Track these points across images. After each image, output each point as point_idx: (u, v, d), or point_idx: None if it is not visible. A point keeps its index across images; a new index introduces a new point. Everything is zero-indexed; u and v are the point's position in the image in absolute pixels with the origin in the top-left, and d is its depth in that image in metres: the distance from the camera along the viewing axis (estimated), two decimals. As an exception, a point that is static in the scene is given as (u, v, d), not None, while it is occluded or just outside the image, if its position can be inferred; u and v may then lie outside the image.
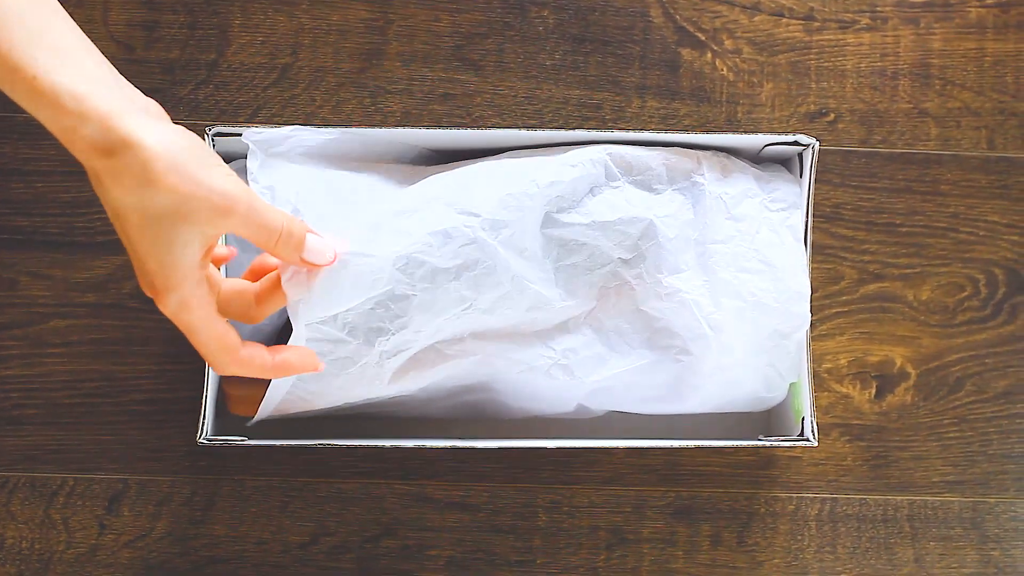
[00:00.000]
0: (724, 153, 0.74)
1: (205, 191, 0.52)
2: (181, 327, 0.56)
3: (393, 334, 0.66)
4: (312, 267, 0.60)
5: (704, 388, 0.74)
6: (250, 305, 0.61)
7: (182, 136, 0.52)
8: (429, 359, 0.70)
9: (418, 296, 0.66)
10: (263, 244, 0.56)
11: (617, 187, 0.71)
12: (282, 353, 0.59)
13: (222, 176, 0.53)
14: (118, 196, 0.51)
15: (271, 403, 0.67)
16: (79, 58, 0.51)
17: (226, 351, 0.57)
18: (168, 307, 0.54)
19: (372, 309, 0.65)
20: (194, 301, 0.55)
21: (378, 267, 0.64)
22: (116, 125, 0.50)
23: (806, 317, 0.73)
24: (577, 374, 0.72)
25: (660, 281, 0.71)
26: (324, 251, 0.59)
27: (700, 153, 0.73)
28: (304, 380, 0.67)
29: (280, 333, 0.76)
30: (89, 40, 0.53)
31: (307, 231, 0.58)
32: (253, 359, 0.58)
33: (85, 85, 0.50)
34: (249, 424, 0.70)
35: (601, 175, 0.71)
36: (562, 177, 0.69)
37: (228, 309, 0.61)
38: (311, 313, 0.63)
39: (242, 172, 0.75)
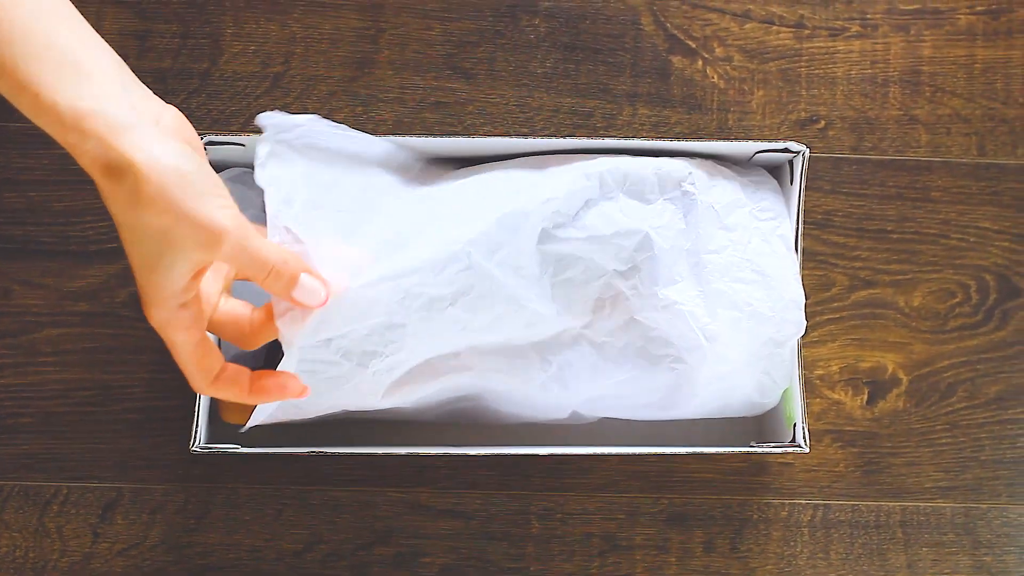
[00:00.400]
0: (710, 161, 0.74)
1: (190, 221, 0.51)
2: (164, 342, 0.56)
3: (388, 356, 0.66)
4: (303, 307, 0.59)
5: (699, 396, 0.74)
6: (244, 333, 0.61)
7: (181, 158, 0.51)
8: (424, 374, 0.69)
9: (414, 324, 0.66)
10: (252, 278, 0.56)
11: (612, 198, 0.71)
12: (262, 380, 0.59)
13: (213, 207, 0.52)
14: (114, 211, 0.52)
15: (262, 413, 0.67)
16: (86, 71, 0.51)
17: (203, 374, 0.57)
18: (153, 321, 0.55)
19: (367, 335, 0.65)
20: (176, 322, 0.54)
21: (374, 300, 0.64)
22: (115, 144, 0.50)
23: (801, 325, 0.73)
24: (572, 387, 0.72)
25: (656, 293, 0.71)
26: (317, 292, 0.58)
27: (689, 160, 0.74)
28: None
29: (273, 343, 0.76)
30: (102, 44, 0.53)
31: (301, 270, 0.57)
32: (231, 385, 0.58)
33: (87, 102, 0.50)
34: (241, 431, 0.70)
35: (596, 187, 0.70)
36: (557, 193, 0.69)
37: (222, 331, 0.61)
38: (304, 343, 0.62)
39: (237, 180, 0.75)
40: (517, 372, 0.71)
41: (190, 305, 0.55)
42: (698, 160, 0.74)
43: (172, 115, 0.54)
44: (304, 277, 0.57)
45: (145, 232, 0.51)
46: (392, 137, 0.72)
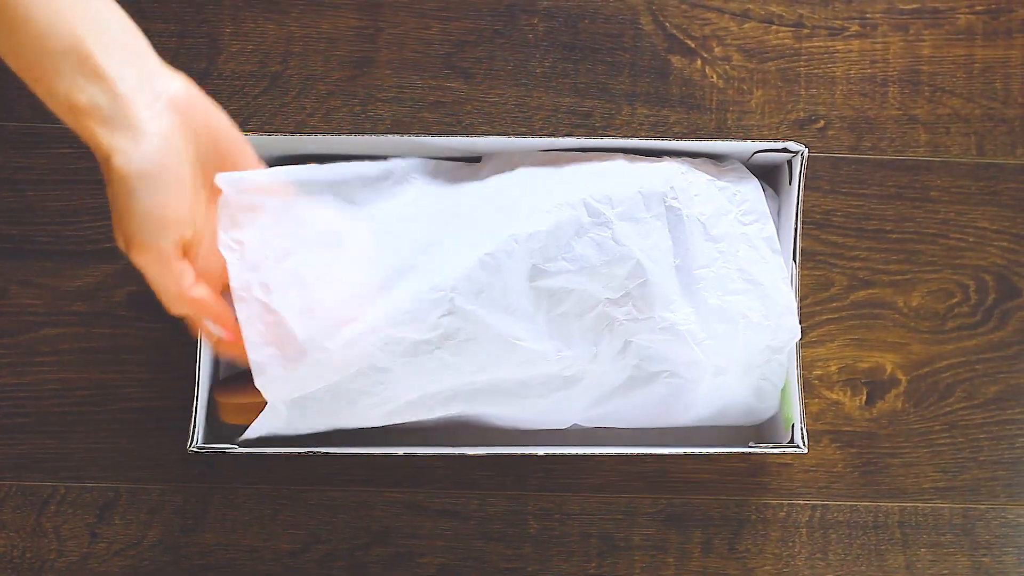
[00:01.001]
0: (686, 163, 0.73)
1: (119, 227, 0.56)
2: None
3: (375, 395, 0.66)
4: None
5: (697, 406, 0.74)
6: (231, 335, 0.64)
7: (149, 159, 0.55)
8: (417, 410, 0.69)
9: (399, 368, 0.65)
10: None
11: (604, 223, 0.69)
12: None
13: (144, 225, 0.56)
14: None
15: (258, 430, 0.67)
16: (84, 56, 0.54)
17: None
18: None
19: (354, 378, 0.65)
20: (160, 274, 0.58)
21: (354, 356, 0.63)
22: (100, 140, 0.55)
23: (796, 331, 0.72)
24: (569, 412, 0.73)
25: (653, 316, 0.69)
26: (213, 334, 0.62)
27: (667, 168, 0.72)
28: (285, 425, 0.68)
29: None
30: (106, 11, 0.55)
31: (205, 316, 0.60)
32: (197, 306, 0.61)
33: (80, 96, 0.54)
34: (239, 440, 0.70)
35: (583, 214, 0.68)
36: (540, 227, 0.67)
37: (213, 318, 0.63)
38: (285, 399, 0.63)
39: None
40: (513, 404, 0.71)
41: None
42: (676, 163, 0.73)
43: (176, 89, 0.57)
44: (208, 323, 0.61)
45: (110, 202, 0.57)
46: (390, 137, 0.72)
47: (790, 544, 0.81)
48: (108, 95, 0.54)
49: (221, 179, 0.60)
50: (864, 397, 0.82)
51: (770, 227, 0.73)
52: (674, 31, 0.83)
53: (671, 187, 0.71)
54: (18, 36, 0.53)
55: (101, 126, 0.54)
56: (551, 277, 0.68)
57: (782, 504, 0.81)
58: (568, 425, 0.75)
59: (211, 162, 0.59)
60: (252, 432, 0.68)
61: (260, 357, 0.61)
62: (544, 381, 0.71)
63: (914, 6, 0.84)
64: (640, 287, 0.69)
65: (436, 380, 0.67)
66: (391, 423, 0.71)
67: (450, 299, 0.65)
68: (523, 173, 0.72)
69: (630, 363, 0.71)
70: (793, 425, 0.74)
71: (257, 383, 0.61)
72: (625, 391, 0.73)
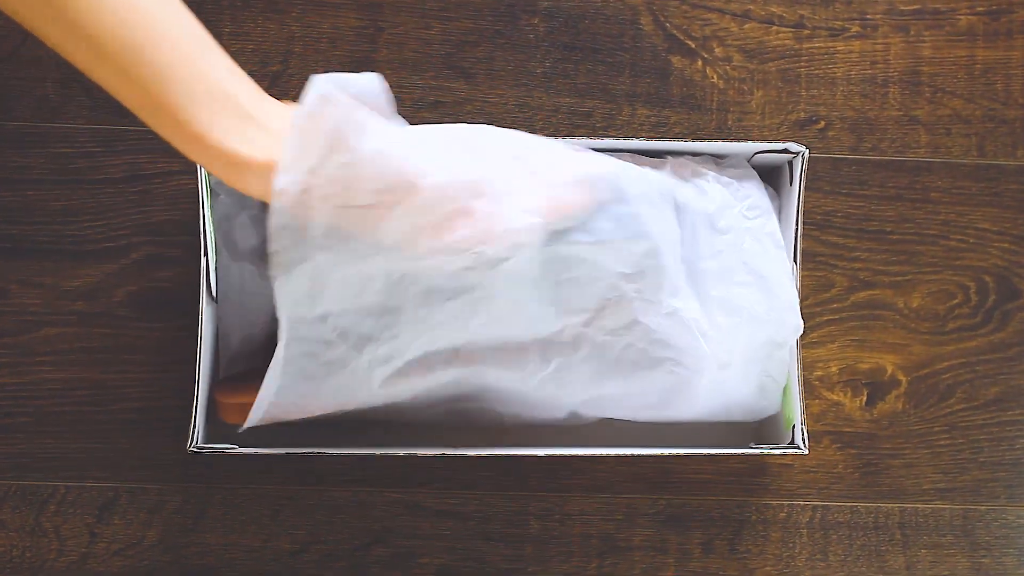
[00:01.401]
0: (689, 160, 0.73)
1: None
2: None
3: (383, 343, 0.66)
4: None
5: (699, 398, 0.74)
6: None
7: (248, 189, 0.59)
8: (419, 371, 0.69)
9: (410, 312, 0.65)
10: None
11: (622, 200, 0.68)
12: None
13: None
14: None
15: (260, 409, 0.67)
16: (238, 111, 0.57)
17: None
18: None
19: (363, 317, 0.65)
20: None
21: (369, 278, 0.64)
22: (220, 168, 0.58)
23: (799, 326, 0.73)
24: (569, 387, 0.72)
25: (661, 300, 0.70)
26: None
27: (672, 163, 0.72)
28: (292, 384, 0.67)
29: (274, 337, 0.76)
30: (236, 72, 0.59)
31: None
32: None
33: (245, 147, 0.57)
34: (240, 431, 0.70)
35: (604, 189, 0.68)
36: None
37: None
38: (296, 307, 0.64)
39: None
40: (514, 367, 0.71)
41: None
42: (681, 160, 0.73)
43: (280, 119, 0.60)
44: None
45: None
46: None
47: (790, 545, 0.81)
48: (263, 132, 0.57)
49: (319, 79, 0.61)
50: (864, 398, 0.82)
51: (773, 222, 0.73)
52: (674, 31, 0.83)
53: (677, 182, 0.71)
54: (176, 98, 0.55)
55: (270, 175, 0.57)
56: (566, 245, 0.68)
57: (782, 505, 0.81)
58: (567, 411, 0.74)
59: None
60: (255, 415, 0.68)
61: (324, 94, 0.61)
62: (544, 346, 0.70)
63: (915, 7, 0.84)
64: (655, 268, 0.69)
65: (443, 334, 0.67)
66: (393, 399, 0.70)
67: (474, 256, 0.64)
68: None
69: (635, 344, 0.71)
70: (794, 426, 0.74)
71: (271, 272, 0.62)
72: (627, 373, 0.72)
